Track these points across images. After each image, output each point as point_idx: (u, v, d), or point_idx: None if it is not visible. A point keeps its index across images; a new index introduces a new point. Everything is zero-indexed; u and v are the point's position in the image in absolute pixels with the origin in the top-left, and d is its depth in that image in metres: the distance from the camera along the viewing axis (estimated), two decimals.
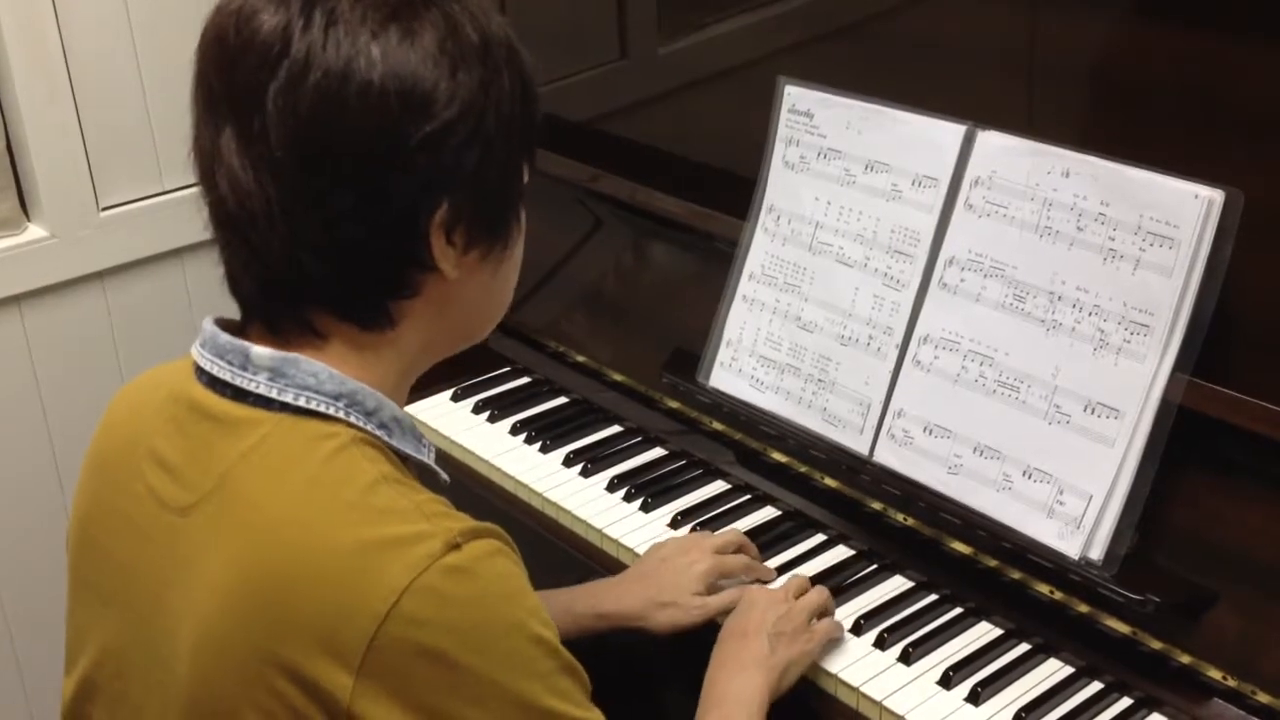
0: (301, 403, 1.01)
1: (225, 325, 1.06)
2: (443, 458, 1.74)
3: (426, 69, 0.97)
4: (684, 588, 1.43)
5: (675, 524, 1.60)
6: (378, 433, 1.03)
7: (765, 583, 1.49)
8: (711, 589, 1.44)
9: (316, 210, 0.97)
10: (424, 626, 0.92)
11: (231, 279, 1.05)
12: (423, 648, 0.92)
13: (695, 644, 1.38)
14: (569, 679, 1.00)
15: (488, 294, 1.09)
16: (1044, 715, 1.31)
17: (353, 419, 1.02)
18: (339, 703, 0.92)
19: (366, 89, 0.95)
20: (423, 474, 1.06)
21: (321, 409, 1.01)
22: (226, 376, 1.02)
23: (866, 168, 1.55)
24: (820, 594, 1.41)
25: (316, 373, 1.01)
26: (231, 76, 0.98)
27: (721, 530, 1.57)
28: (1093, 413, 1.35)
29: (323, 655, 0.92)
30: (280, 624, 0.94)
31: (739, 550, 1.50)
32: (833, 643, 1.40)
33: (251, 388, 1.01)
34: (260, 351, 1.01)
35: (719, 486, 1.69)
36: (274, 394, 1.01)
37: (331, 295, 1.02)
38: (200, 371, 1.05)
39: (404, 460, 1.05)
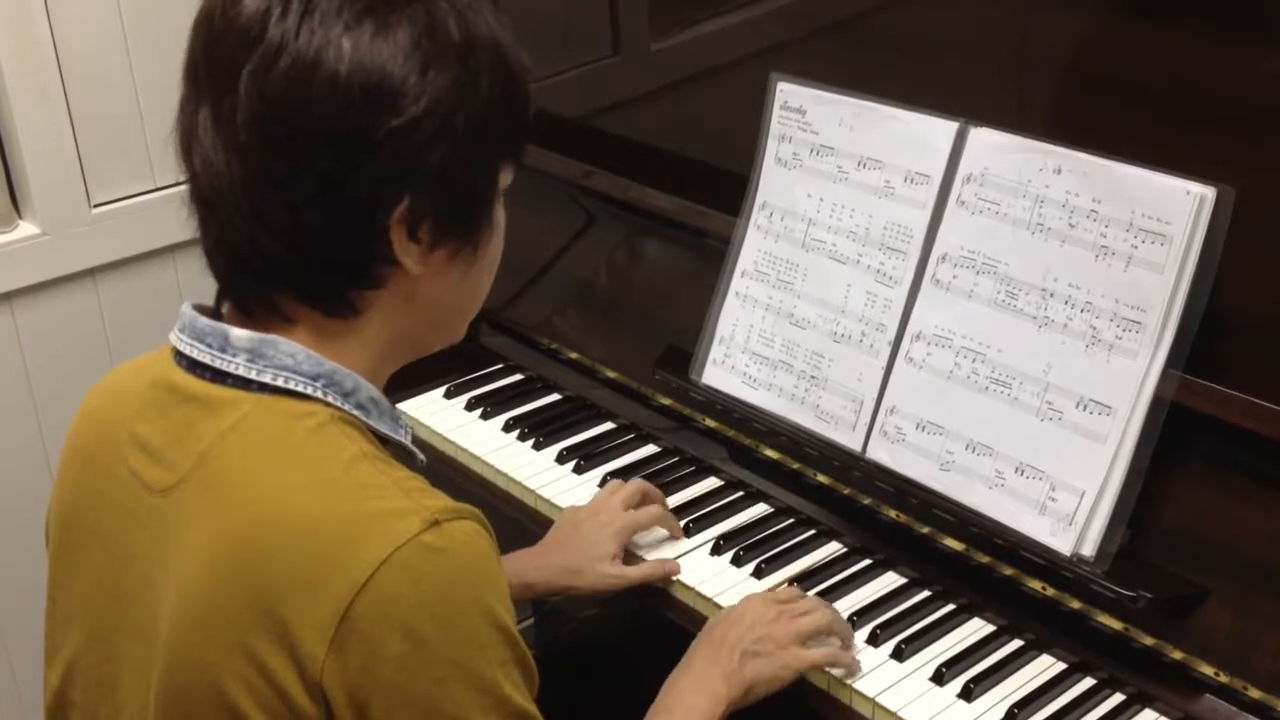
0: (280, 383, 1.02)
1: (203, 310, 1.07)
2: (435, 455, 1.75)
3: (396, 65, 0.97)
4: (600, 554, 1.49)
5: (669, 530, 1.60)
6: (355, 413, 1.04)
7: (675, 539, 1.58)
8: (628, 545, 1.52)
9: (277, 193, 0.99)
10: (397, 601, 0.93)
11: (207, 254, 1.06)
12: (393, 622, 0.93)
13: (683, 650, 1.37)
14: (521, 672, 1.01)
15: (457, 293, 1.09)
16: (1036, 711, 1.32)
17: (330, 399, 1.03)
18: (312, 673, 0.93)
19: (333, 79, 0.96)
20: (399, 455, 1.07)
21: (300, 389, 1.02)
22: (206, 359, 1.03)
23: (859, 164, 1.55)
24: (818, 620, 1.37)
25: (294, 353, 1.02)
26: (212, 57, 1.00)
27: (631, 482, 1.61)
28: (1085, 409, 1.35)
29: (302, 620, 0.93)
30: (260, 591, 0.95)
31: (648, 498, 1.58)
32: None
33: (231, 369, 1.02)
34: (239, 334, 1.03)
35: (711, 483, 1.69)
36: (253, 375, 1.02)
37: (294, 279, 1.03)
38: (180, 356, 1.06)
39: (383, 442, 1.06)
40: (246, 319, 1.05)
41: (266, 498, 0.98)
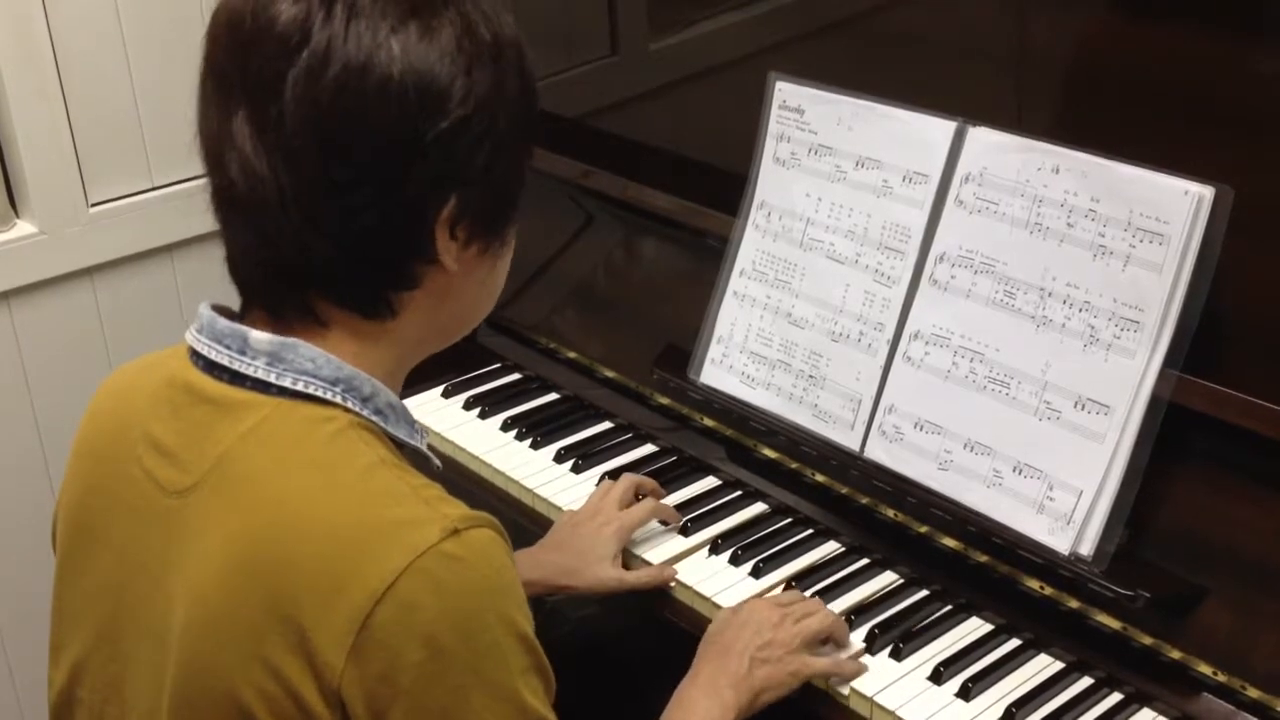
0: (299, 387, 1.01)
1: (221, 311, 1.06)
2: (434, 453, 1.74)
3: (444, 66, 0.98)
4: (599, 555, 1.50)
5: (666, 520, 1.60)
6: (373, 418, 1.04)
7: (669, 524, 1.59)
8: (627, 541, 1.54)
9: (329, 199, 0.98)
10: (417, 610, 0.93)
11: (232, 262, 1.05)
12: (413, 631, 0.93)
13: (689, 656, 1.37)
14: (540, 679, 1.01)
15: (482, 288, 1.10)
16: (1034, 710, 1.32)
17: (349, 404, 1.02)
18: (330, 682, 0.93)
19: (386, 83, 0.96)
20: (416, 460, 1.07)
21: (319, 393, 1.02)
22: (224, 361, 1.03)
23: (857, 164, 1.55)
24: (822, 620, 1.38)
25: (314, 358, 1.02)
26: (246, 63, 0.99)
27: (621, 478, 1.61)
28: (1083, 409, 1.35)
29: (320, 628, 0.93)
30: (277, 598, 0.94)
31: (640, 490, 1.60)
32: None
33: (249, 372, 1.02)
34: (259, 336, 1.02)
35: (710, 483, 1.69)
36: (272, 378, 1.02)
37: (335, 283, 1.03)
38: (196, 356, 1.05)
39: (399, 447, 1.06)
40: (277, 323, 1.04)
41: (284, 503, 0.97)
